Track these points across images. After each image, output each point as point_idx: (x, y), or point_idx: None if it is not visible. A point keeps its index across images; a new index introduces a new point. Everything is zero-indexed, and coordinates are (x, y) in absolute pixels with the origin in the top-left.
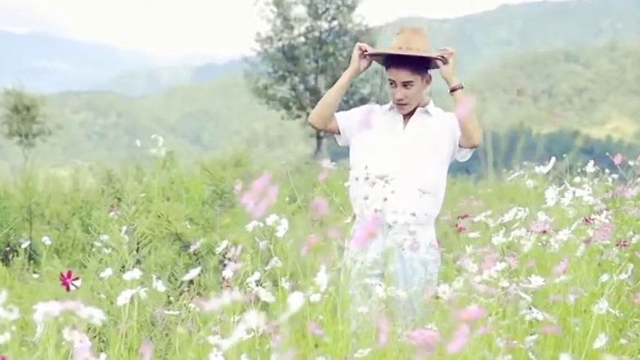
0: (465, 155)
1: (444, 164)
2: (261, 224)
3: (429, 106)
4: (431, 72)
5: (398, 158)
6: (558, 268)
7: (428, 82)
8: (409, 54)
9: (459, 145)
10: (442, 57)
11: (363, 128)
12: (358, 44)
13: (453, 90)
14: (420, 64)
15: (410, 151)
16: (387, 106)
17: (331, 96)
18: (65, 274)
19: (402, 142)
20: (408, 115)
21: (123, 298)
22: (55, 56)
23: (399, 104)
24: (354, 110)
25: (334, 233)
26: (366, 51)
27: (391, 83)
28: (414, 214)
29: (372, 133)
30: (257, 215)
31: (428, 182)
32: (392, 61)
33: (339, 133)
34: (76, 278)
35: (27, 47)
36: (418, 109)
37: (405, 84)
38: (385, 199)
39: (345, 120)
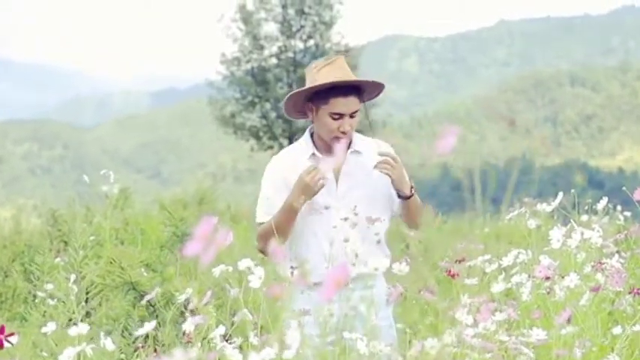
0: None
1: (387, 206)
2: (230, 269)
3: (356, 141)
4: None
5: (338, 213)
6: (560, 318)
7: None
8: (368, 80)
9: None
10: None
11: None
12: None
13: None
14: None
15: (351, 203)
16: (303, 152)
17: (282, 232)
18: None
19: (338, 197)
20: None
21: (65, 357)
22: None
23: (342, 137)
24: (272, 196)
25: (276, 290)
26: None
27: (336, 117)
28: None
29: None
30: (205, 264)
31: (380, 230)
32: (336, 91)
33: None
34: (11, 334)
35: None
36: (348, 153)
37: (352, 114)
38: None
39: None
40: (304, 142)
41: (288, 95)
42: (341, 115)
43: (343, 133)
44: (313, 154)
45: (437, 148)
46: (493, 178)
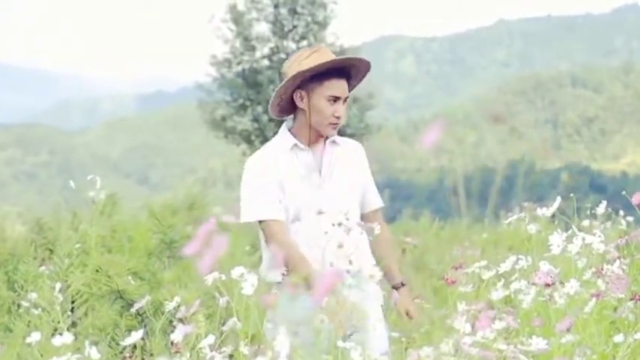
0: None
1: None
2: (222, 277)
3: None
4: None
5: (331, 209)
6: (562, 326)
7: None
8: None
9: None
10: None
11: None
12: None
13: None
14: None
15: (337, 198)
16: (283, 145)
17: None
18: None
19: (325, 191)
20: (317, 152)
21: None
22: None
23: (336, 125)
24: (263, 191)
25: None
26: None
27: (332, 100)
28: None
29: (294, 187)
30: (203, 270)
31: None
32: (331, 73)
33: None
34: None
35: None
36: (327, 142)
37: (345, 99)
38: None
39: (280, 207)
40: (281, 137)
41: (280, 85)
42: (336, 99)
43: (337, 118)
44: (295, 144)
45: (422, 143)
46: (477, 182)
